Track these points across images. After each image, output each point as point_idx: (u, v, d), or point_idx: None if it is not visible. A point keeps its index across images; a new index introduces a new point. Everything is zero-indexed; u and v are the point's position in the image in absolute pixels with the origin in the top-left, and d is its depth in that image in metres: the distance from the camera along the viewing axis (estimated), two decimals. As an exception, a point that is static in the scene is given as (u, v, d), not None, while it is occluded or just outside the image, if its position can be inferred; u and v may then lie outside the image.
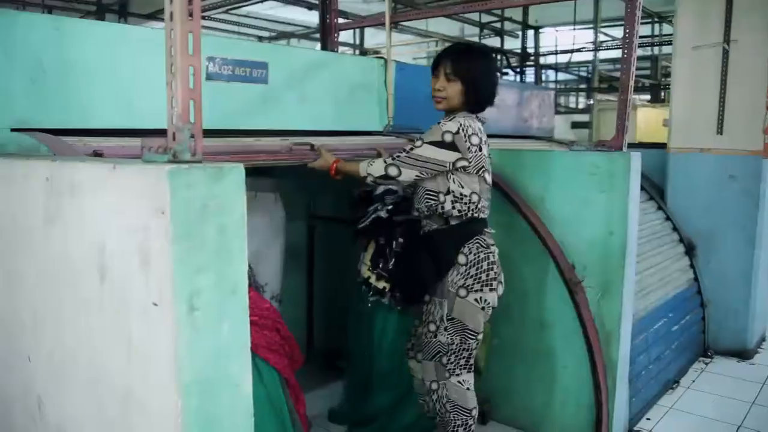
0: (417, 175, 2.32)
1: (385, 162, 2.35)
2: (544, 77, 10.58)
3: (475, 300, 2.34)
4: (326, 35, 4.03)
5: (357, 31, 9.80)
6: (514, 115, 4.44)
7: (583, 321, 2.79)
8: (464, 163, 2.32)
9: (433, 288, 2.41)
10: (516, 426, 3.14)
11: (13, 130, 2.14)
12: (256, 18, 9.83)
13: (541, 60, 9.76)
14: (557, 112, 10.93)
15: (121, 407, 1.31)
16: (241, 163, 1.20)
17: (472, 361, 2.45)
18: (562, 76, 11.92)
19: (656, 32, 9.01)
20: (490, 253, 2.39)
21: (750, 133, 3.94)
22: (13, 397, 1.94)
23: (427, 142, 2.32)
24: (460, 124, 2.32)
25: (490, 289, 2.37)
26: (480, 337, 2.40)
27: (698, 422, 3.27)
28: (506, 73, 8.75)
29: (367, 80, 3.37)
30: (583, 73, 11.12)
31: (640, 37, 8.95)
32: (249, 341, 1.20)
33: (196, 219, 1.11)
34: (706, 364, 4.06)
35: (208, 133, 1.42)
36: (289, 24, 10.71)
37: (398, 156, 2.35)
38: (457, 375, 2.43)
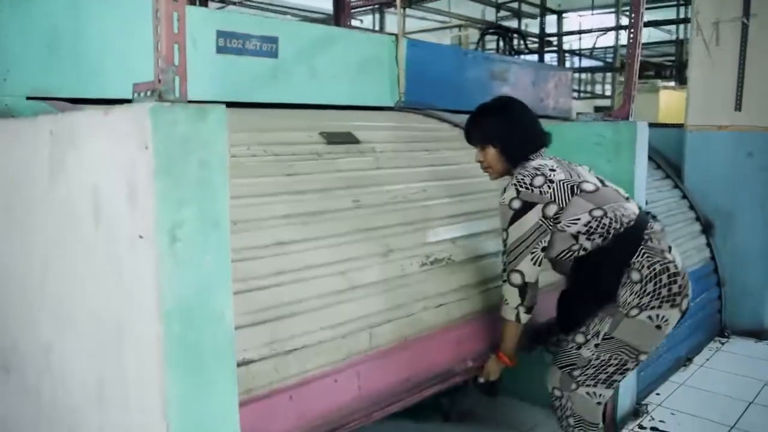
0: (532, 259, 2.11)
1: (503, 281, 2.17)
2: (568, 64, 10.45)
3: (649, 317, 2.09)
4: (340, 15, 4.08)
5: (377, 15, 9.82)
6: (528, 95, 4.43)
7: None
8: (552, 208, 2.11)
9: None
10: (526, 400, 3.16)
11: (28, 98, 2.23)
12: (271, 5, 9.92)
13: (564, 46, 9.68)
14: (581, 98, 10.84)
15: (115, 341, 1.37)
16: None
17: (617, 379, 2.21)
18: (587, 63, 11.79)
19: (681, 15, 8.86)
20: (669, 263, 2.11)
21: (768, 109, 3.89)
22: (23, 347, 2.03)
23: (508, 227, 2.14)
24: (516, 184, 2.14)
25: (672, 305, 2.10)
26: (643, 357, 2.16)
27: (708, 398, 3.26)
28: (521, 54, 8.69)
29: (378, 56, 3.41)
30: (609, 59, 10.98)
31: (665, 21, 8.87)
32: (230, 275, 1.25)
33: (178, 154, 1.17)
34: (722, 343, 4.02)
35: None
36: (305, 11, 10.80)
37: (504, 266, 2.18)
38: (588, 386, 2.22)
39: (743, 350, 3.89)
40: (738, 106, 3.98)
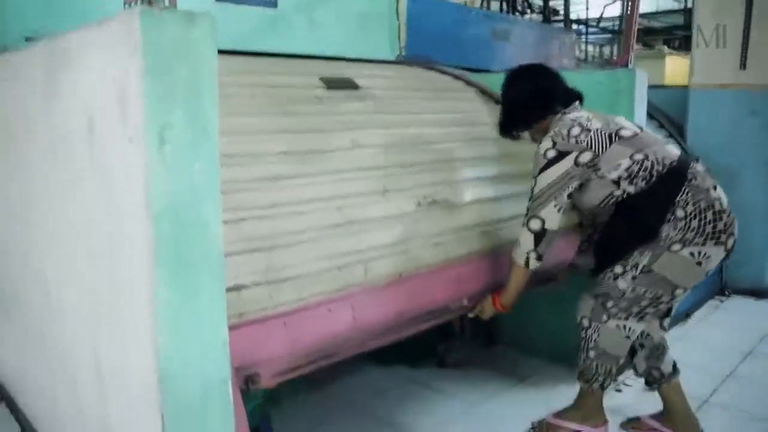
0: (556, 206, 2.14)
1: (523, 227, 2.18)
2: (576, 35, 10.36)
3: (691, 254, 2.08)
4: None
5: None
6: (529, 54, 4.40)
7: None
8: (587, 155, 2.14)
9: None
10: (523, 350, 3.19)
11: (27, 39, 2.24)
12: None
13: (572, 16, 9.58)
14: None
15: (107, 253, 1.39)
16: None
17: (650, 312, 2.22)
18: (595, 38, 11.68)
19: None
20: (715, 200, 2.09)
21: (773, 67, 3.86)
22: (26, 283, 2.07)
23: (538, 175, 2.17)
24: (553, 135, 2.18)
25: (716, 243, 2.08)
26: (679, 292, 2.16)
27: (706, 349, 3.28)
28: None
29: (379, 9, 3.40)
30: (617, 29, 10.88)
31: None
32: (219, 184, 1.27)
33: (167, 56, 1.18)
34: (722, 301, 4.04)
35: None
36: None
37: (527, 212, 2.20)
38: (619, 319, 2.23)
39: (742, 307, 3.92)
40: (743, 64, 3.95)
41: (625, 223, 2.18)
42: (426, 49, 3.57)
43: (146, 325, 1.27)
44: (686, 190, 2.10)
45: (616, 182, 2.15)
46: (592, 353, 2.30)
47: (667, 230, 2.09)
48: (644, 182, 2.13)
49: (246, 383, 1.60)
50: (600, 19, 10.41)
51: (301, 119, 2.22)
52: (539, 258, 2.18)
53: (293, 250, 1.82)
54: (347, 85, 2.59)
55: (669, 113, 4.34)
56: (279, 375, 1.68)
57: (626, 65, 2.74)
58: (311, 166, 2.05)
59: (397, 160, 2.31)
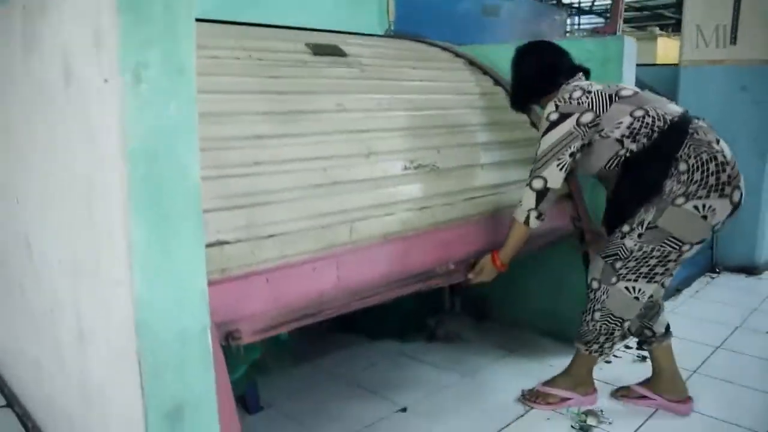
0: (559, 165, 2.17)
1: (526, 186, 2.22)
2: (569, 22, 10.36)
3: (695, 207, 2.06)
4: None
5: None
6: (519, 31, 4.39)
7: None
8: (588, 116, 2.17)
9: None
10: (512, 324, 3.18)
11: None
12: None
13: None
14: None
15: (87, 199, 1.37)
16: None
17: (660, 272, 2.19)
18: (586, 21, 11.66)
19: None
20: (717, 152, 2.07)
21: (764, 41, 3.84)
22: (7, 239, 2.04)
23: (542, 137, 2.22)
24: (556, 99, 2.24)
25: (720, 195, 2.06)
26: (686, 249, 2.13)
27: (696, 323, 3.28)
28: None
29: (368, -18, 3.37)
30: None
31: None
32: (196, 128, 1.25)
33: (141, -6, 1.16)
34: (713, 278, 4.04)
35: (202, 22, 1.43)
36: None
37: (530, 173, 2.23)
38: (629, 281, 2.22)
39: (733, 283, 3.92)
40: (733, 39, 3.94)
41: (629, 182, 2.19)
42: (415, 24, 3.54)
43: (124, 274, 1.25)
44: (688, 144, 2.09)
45: (620, 141, 2.16)
46: (597, 314, 2.30)
47: (670, 185, 2.09)
48: (646, 139, 2.13)
49: (227, 339, 1.58)
50: (593, 4, 10.41)
51: (285, 81, 2.19)
52: (539, 217, 2.21)
53: (276, 207, 1.80)
54: (334, 51, 2.56)
55: (659, 91, 4.31)
56: (260, 332, 1.66)
57: (614, 33, 2.72)
58: (295, 127, 2.02)
59: (384, 124, 2.29)
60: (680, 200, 2.08)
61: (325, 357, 2.89)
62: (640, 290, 2.23)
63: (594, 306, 2.31)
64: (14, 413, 2.22)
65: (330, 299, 1.83)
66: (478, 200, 2.40)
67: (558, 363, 2.64)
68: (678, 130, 2.12)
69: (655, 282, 2.23)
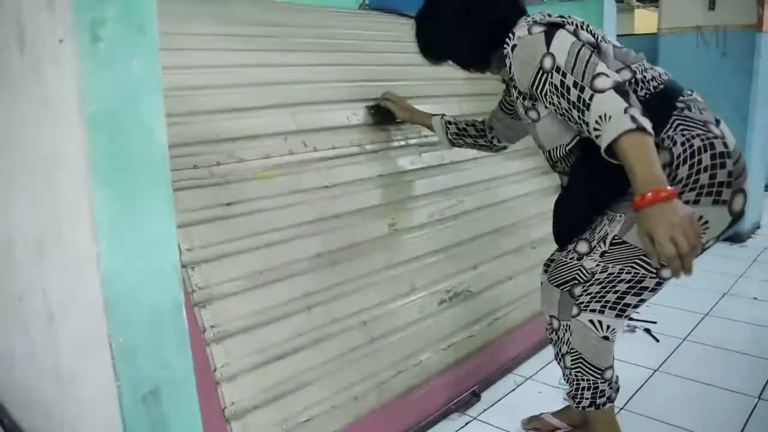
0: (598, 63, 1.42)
1: (589, 101, 1.37)
2: None
3: None
4: None
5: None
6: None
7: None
8: (584, 34, 1.52)
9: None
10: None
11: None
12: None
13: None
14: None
15: (48, 172, 1.29)
16: None
17: (630, 303, 1.58)
18: None
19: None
20: (715, 138, 1.47)
21: (744, 6, 3.80)
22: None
23: (549, 49, 1.45)
24: (524, 25, 1.53)
25: (715, 201, 1.44)
26: (665, 274, 1.51)
27: (683, 291, 3.25)
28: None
29: (341, -45, 3.28)
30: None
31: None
32: (161, 84, 1.17)
33: (93, -57, 1.07)
34: (698, 247, 4.03)
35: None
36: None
37: (580, 87, 1.40)
38: (592, 311, 1.60)
39: (719, 252, 3.90)
40: (712, 5, 3.90)
41: (587, 176, 1.57)
42: (392, -1, 3.46)
43: (90, 249, 1.17)
44: (675, 123, 1.50)
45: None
46: (568, 359, 1.72)
47: None
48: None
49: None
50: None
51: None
52: (643, 113, 1.34)
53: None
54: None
55: (640, 60, 4.29)
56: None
57: None
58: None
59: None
60: None
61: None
62: (608, 326, 1.61)
63: (561, 349, 1.78)
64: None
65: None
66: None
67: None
68: (662, 103, 1.51)
69: (625, 317, 1.62)
